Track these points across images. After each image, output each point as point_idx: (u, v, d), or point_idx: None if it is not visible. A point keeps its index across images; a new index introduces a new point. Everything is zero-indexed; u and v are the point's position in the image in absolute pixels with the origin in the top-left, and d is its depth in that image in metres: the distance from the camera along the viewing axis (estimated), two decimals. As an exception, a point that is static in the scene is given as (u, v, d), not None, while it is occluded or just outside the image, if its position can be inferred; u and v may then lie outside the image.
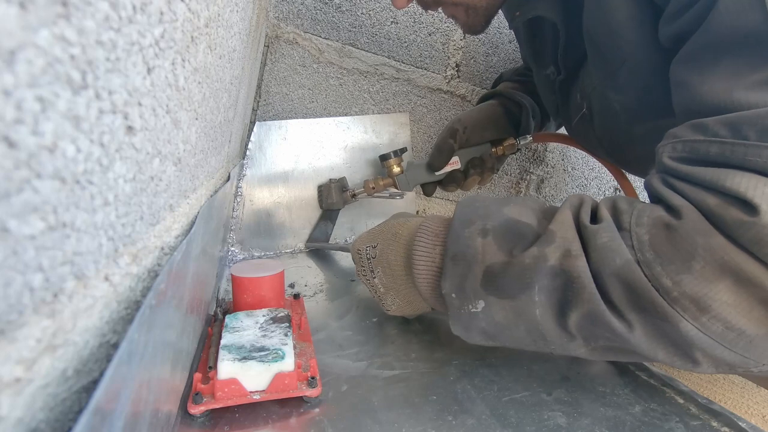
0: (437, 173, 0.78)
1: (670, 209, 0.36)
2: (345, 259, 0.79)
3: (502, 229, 0.41)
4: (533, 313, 0.38)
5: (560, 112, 0.73)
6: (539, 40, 0.70)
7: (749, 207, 0.32)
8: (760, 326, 0.33)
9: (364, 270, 0.52)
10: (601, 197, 1.18)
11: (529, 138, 0.78)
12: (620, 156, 0.68)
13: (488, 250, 0.41)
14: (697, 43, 0.39)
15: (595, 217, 0.39)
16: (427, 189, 0.81)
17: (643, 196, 0.87)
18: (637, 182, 0.81)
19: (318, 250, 0.83)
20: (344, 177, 0.84)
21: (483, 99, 0.85)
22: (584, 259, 0.37)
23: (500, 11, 0.68)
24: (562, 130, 0.90)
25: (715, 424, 0.38)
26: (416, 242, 0.46)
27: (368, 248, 0.52)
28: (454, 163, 0.77)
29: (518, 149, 0.79)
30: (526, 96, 0.81)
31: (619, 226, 0.37)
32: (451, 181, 0.79)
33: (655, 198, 0.38)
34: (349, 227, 0.87)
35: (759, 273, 0.32)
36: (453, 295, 0.42)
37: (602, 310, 0.36)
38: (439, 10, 0.67)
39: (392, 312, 0.52)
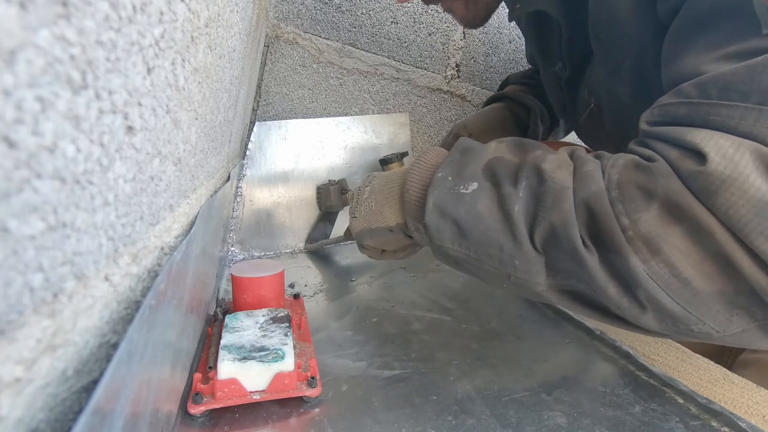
0: None
1: (643, 158, 0.38)
2: (345, 259, 0.79)
3: (515, 141, 0.45)
4: (512, 208, 0.40)
5: (567, 109, 0.72)
6: (546, 36, 0.69)
7: (700, 157, 0.33)
8: (708, 282, 0.34)
9: (364, 183, 0.53)
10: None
11: None
12: None
13: (500, 148, 0.44)
14: (683, 17, 0.40)
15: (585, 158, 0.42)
16: None
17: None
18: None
19: (317, 249, 0.83)
20: (344, 179, 0.84)
21: (489, 101, 0.84)
22: (572, 180, 0.39)
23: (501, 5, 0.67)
24: (571, 137, 0.90)
25: (715, 424, 0.38)
26: (428, 149, 0.49)
27: (376, 174, 0.54)
28: None
29: None
30: (534, 99, 0.79)
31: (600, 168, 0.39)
32: None
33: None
34: (347, 226, 0.87)
35: (711, 221, 0.33)
36: (449, 178, 0.43)
37: (572, 224, 0.37)
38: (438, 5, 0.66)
39: (356, 222, 0.52)
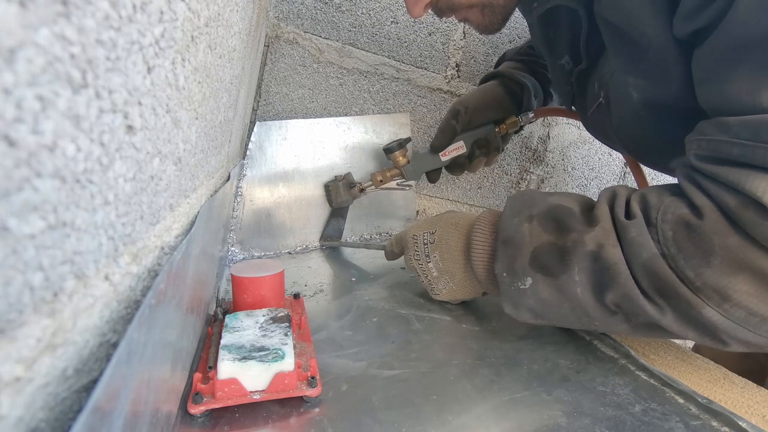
0: (443, 159, 0.78)
1: (693, 207, 0.39)
2: (345, 259, 0.79)
3: (545, 213, 0.46)
4: (575, 291, 0.42)
5: (576, 102, 0.72)
6: (553, 29, 0.68)
7: (763, 209, 0.34)
8: None
9: (418, 254, 0.56)
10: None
11: (531, 114, 0.78)
12: (635, 148, 0.66)
13: (534, 233, 0.45)
14: (718, 41, 0.39)
15: (628, 211, 0.42)
16: (432, 176, 0.82)
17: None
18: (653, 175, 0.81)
19: (335, 247, 0.83)
20: (349, 173, 0.84)
21: (486, 79, 0.85)
22: (620, 249, 0.40)
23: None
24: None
25: (715, 424, 0.38)
26: (474, 230, 0.52)
27: (426, 234, 0.56)
28: (460, 149, 0.78)
29: (521, 126, 0.80)
30: (527, 76, 0.81)
31: (648, 221, 0.40)
32: (456, 166, 0.81)
33: (680, 191, 0.41)
34: (349, 226, 0.87)
35: None
36: (504, 274, 0.47)
37: (636, 294, 0.39)
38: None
39: (441, 297, 0.57)
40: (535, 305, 0.45)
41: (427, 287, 0.57)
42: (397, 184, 0.83)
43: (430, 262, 0.55)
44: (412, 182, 0.83)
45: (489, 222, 0.51)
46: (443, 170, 0.82)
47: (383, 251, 0.66)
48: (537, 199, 0.48)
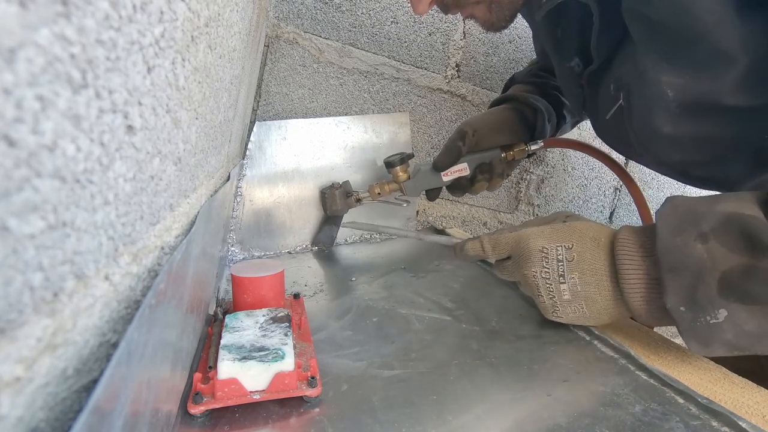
0: (444, 179, 0.76)
1: None
2: (345, 259, 0.79)
3: (723, 228, 0.38)
4: None
5: (587, 106, 0.68)
6: (561, 30, 0.64)
7: None
8: None
9: (547, 272, 0.47)
10: (603, 197, 1.17)
11: (540, 143, 0.76)
12: (657, 153, 0.60)
13: (717, 255, 0.38)
14: None
15: None
16: (431, 194, 0.79)
17: (649, 197, 0.85)
18: (645, 186, 0.81)
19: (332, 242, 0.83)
20: (347, 181, 0.84)
21: (496, 103, 0.83)
22: None
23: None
24: (573, 133, 0.89)
25: (715, 424, 0.38)
26: (620, 255, 0.43)
27: (561, 248, 0.47)
28: (463, 170, 0.75)
29: (529, 155, 0.77)
30: (540, 99, 0.78)
31: None
32: (458, 187, 0.78)
33: None
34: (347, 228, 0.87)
35: None
36: (682, 308, 0.40)
37: None
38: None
39: (564, 320, 0.49)
40: (734, 340, 0.39)
41: (545, 307, 0.49)
42: (396, 198, 0.81)
43: (564, 283, 0.46)
44: (410, 199, 0.81)
45: (635, 243, 0.43)
46: (444, 189, 0.80)
47: (453, 246, 0.56)
48: (700, 209, 0.40)
